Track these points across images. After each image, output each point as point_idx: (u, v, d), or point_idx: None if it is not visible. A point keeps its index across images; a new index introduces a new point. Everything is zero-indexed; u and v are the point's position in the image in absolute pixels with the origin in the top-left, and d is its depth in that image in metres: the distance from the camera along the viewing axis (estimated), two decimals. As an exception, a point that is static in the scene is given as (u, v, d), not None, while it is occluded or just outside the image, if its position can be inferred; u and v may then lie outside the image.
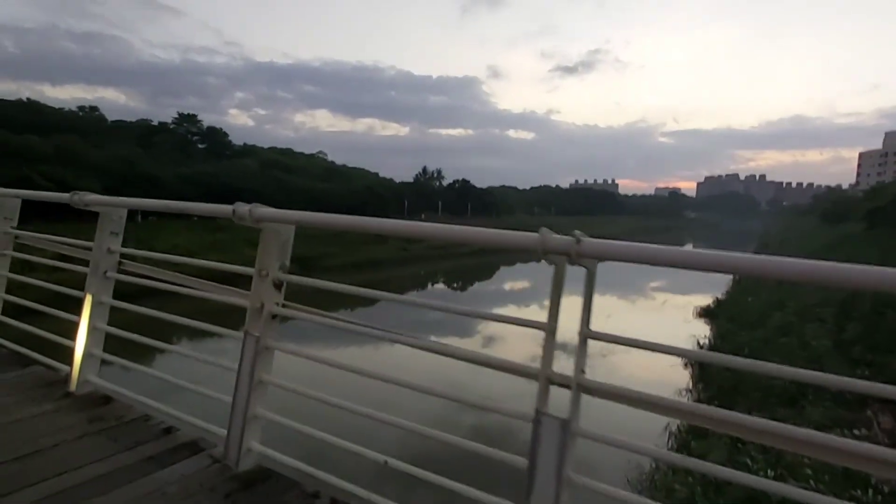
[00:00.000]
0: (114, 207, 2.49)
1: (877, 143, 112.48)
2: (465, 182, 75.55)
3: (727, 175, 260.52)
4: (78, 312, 2.53)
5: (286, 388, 1.90)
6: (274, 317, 1.94)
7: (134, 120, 54.97)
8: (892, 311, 13.47)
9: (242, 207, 1.87)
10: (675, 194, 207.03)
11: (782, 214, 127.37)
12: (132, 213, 2.60)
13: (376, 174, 69.85)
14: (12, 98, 43.02)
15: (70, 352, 2.56)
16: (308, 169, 57.34)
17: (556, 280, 1.41)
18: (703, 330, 18.39)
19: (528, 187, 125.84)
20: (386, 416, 1.74)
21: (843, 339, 13.49)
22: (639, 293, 28.87)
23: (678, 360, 13.05)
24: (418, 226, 1.71)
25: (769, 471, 6.75)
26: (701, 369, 12.74)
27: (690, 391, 12.20)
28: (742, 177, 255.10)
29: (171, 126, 55.32)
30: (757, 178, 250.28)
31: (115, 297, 2.53)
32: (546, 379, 1.42)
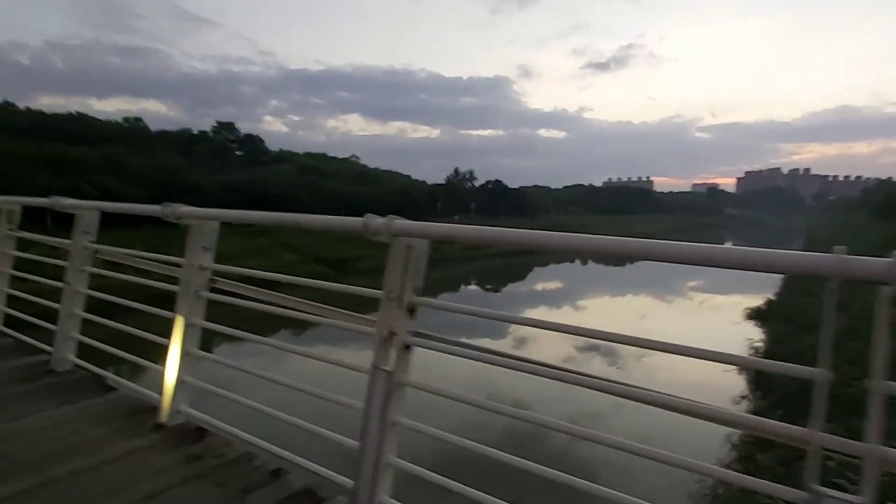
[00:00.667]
0: (206, 220, 2.26)
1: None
2: (497, 183, 74.23)
3: (769, 170, 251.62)
4: (161, 333, 2.35)
5: (427, 433, 1.60)
6: (407, 347, 1.65)
7: (175, 129, 56.44)
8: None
9: (376, 220, 1.58)
10: (713, 191, 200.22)
11: (829, 210, 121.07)
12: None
13: (408, 177, 69.68)
14: (62, 112, 44.73)
15: (149, 375, 2.38)
16: (342, 173, 57.69)
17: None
18: (755, 333, 17.41)
19: (560, 186, 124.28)
20: (547, 470, 1.42)
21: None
22: (675, 293, 27.51)
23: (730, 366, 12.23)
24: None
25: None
26: (758, 375, 11.89)
27: (747, 398, 11.47)
28: (785, 171, 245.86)
29: (211, 134, 56.60)
30: (801, 171, 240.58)
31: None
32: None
